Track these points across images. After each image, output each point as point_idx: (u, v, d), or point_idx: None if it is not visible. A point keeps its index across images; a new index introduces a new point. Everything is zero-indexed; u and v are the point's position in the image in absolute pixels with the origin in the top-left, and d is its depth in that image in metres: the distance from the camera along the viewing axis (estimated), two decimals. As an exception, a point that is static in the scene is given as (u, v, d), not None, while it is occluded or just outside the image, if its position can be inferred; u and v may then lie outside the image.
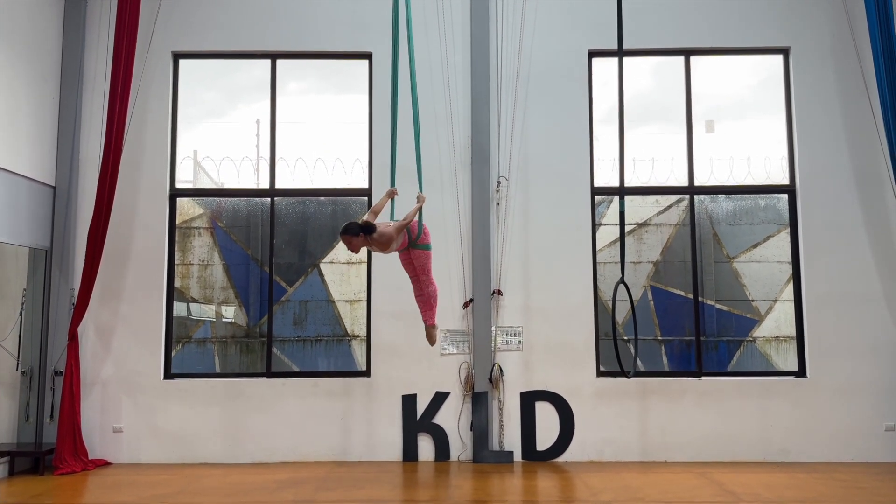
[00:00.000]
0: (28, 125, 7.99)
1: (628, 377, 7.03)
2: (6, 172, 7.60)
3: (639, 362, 8.50)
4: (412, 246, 6.05)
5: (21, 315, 8.08)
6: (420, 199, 6.09)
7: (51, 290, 8.26)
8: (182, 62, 8.88)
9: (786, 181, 8.68)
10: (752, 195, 8.73)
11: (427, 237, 6.12)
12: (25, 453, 7.76)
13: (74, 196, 8.43)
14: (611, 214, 8.72)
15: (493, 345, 8.31)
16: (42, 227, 8.23)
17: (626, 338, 8.53)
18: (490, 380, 8.18)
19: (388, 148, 8.24)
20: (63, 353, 8.05)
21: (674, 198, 8.76)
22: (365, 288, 8.61)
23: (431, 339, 6.40)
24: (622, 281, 6.82)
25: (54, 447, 7.77)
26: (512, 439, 8.22)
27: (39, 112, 8.19)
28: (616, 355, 6.76)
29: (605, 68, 8.85)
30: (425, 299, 6.25)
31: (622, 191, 7.03)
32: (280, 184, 8.75)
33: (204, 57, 8.92)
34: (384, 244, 5.80)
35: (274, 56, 8.85)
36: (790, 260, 8.57)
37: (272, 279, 8.64)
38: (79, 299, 7.98)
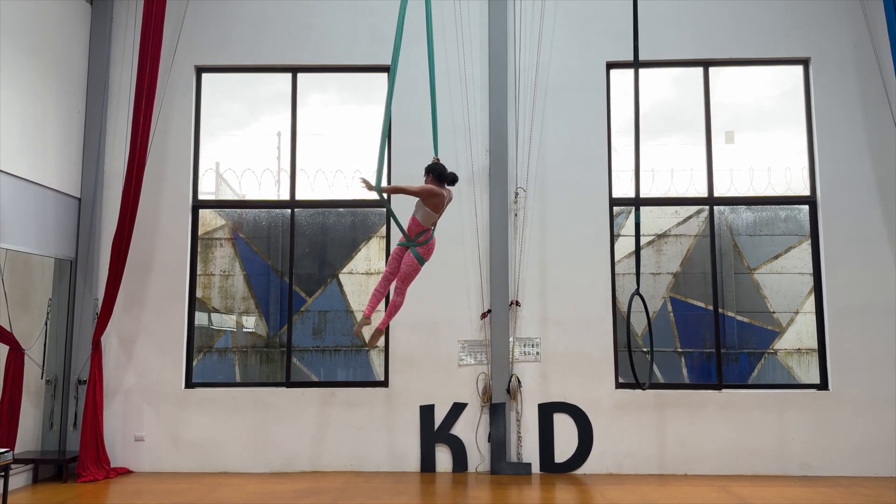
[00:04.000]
0: (55, 138, 8.16)
1: (643, 389, 6.99)
2: (33, 185, 7.77)
3: (658, 374, 8.46)
4: (410, 243, 6.00)
5: (46, 324, 8.22)
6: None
7: (75, 300, 8.40)
8: (205, 75, 9.03)
9: (807, 192, 8.61)
10: (773, 206, 8.67)
11: (429, 254, 6.06)
12: (49, 461, 7.88)
13: (99, 207, 8.59)
14: (629, 225, 8.69)
15: (510, 356, 8.30)
16: (67, 238, 8.39)
17: (645, 349, 8.49)
18: (508, 391, 8.17)
19: (405, 158, 8.40)
20: (87, 362, 8.18)
21: (693, 209, 8.73)
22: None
23: (374, 342, 6.13)
24: (637, 292, 6.80)
25: (77, 455, 7.89)
26: (530, 451, 8.19)
27: (66, 125, 8.37)
28: (631, 366, 6.74)
29: (624, 78, 8.85)
30: (391, 306, 6.11)
31: (638, 202, 7.02)
32: (300, 195, 8.85)
33: (226, 71, 9.06)
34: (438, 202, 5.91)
35: (294, 70, 8.96)
36: (811, 271, 8.49)
37: (292, 289, 8.72)
38: (102, 309, 8.11)
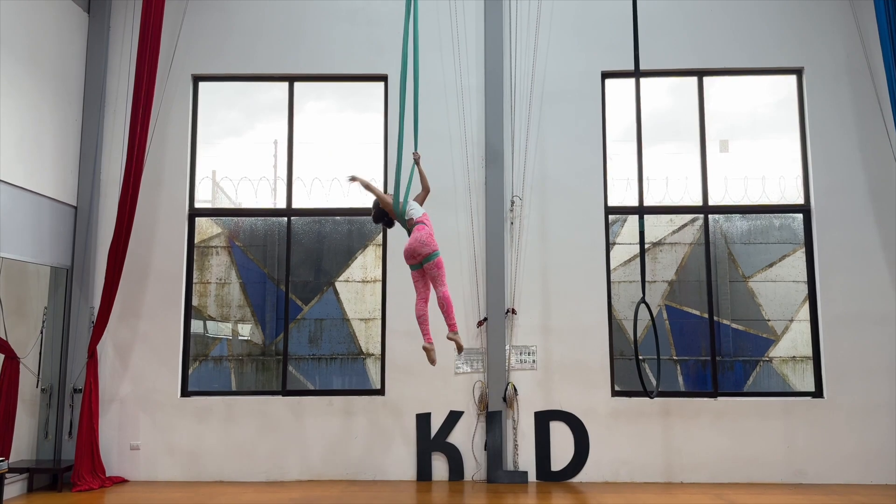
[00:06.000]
0: (52, 146, 8.17)
1: (651, 397, 6.99)
2: (30, 193, 7.76)
3: (654, 382, 8.48)
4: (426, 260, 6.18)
5: (42, 333, 8.20)
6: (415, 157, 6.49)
7: (71, 309, 8.38)
8: (201, 84, 9.05)
9: (801, 200, 8.66)
10: (767, 214, 8.72)
11: (426, 243, 6.20)
12: (44, 470, 7.84)
13: (95, 216, 8.59)
14: (624, 234, 8.74)
15: (507, 364, 8.31)
16: (63, 247, 8.38)
17: (641, 357, 8.50)
18: (504, 399, 8.18)
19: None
20: (82, 370, 8.16)
21: (688, 217, 8.77)
22: (380, 306, 8.67)
23: (459, 346, 6.43)
24: (643, 300, 6.80)
25: (72, 464, 7.85)
26: (526, 459, 8.19)
27: (63, 133, 8.37)
28: (639, 375, 6.72)
29: (619, 87, 8.91)
30: (442, 305, 6.24)
31: (641, 210, 7.06)
32: (296, 203, 8.86)
33: (223, 79, 9.08)
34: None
35: (291, 79, 8.99)
36: (806, 279, 8.54)
37: (288, 297, 8.72)
38: (98, 317, 8.10)
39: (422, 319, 6.30)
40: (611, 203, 8.73)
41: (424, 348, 6.31)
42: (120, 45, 8.84)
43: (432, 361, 6.38)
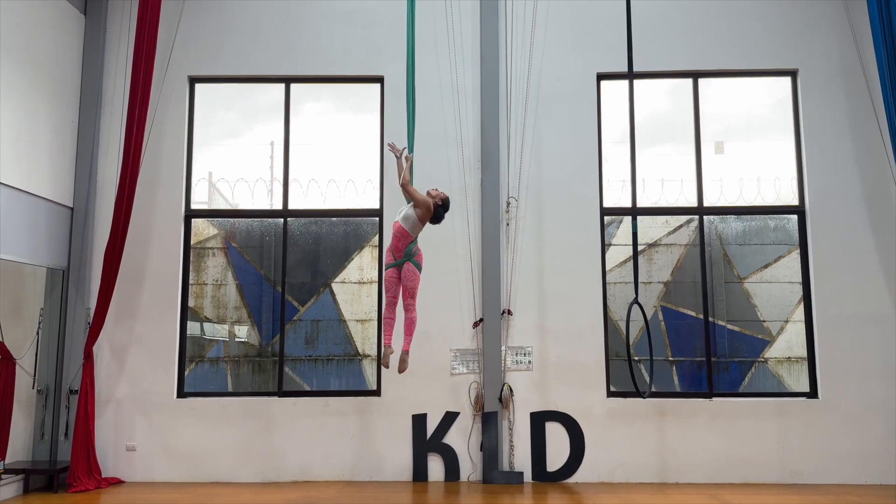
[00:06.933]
0: (48, 148, 8.18)
1: (644, 397, 7.00)
2: (26, 194, 7.77)
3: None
4: (408, 258, 6.21)
5: (38, 334, 8.20)
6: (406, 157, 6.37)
7: (67, 310, 8.39)
8: (199, 85, 9.06)
9: (795, 202, 8.69)
10: (762, 216, 8.74)
11: (421, 259, 6.32)
12: (40, 471, 7.83)
13: (92, 217, 8.59)
14: (620, 235, 8.76)
15: (503, 364, 8.33)
16: (60, 248, 8.39)
17: (636, 358, 8.53)
18: (500, 400, 8.20)
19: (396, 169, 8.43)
20: (78, 371, 8.16)
21: (684, 218, 8.79)
22: (375, 307, 8.67)
23: (404, 365, 6.49)
24: (636, 301, 6.83)
25: (68, 465, 7.85)
26: (522, 460, 8.21)
27: (59, 135, 8.38)
28: (631, 376, 6.76)
29: (615, 89, 8.93)
30: (406, 324, 6.35)
31: (635, 211, 7.09)
32: (293, 205, 8.88)
33: (219, 81, 9.09)
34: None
35: (288, 80, 9.01)
36: (801, 280, 8.56)
37: (284, 299, 8.73)
38: (94, 318, 8.09)
39: (392, 323, 6.39)
40: (606, 204, 8.75)
41: (389, 350, 6.40)
42: (116, 46, 8.85)
43: (387, 365, 6.46)
